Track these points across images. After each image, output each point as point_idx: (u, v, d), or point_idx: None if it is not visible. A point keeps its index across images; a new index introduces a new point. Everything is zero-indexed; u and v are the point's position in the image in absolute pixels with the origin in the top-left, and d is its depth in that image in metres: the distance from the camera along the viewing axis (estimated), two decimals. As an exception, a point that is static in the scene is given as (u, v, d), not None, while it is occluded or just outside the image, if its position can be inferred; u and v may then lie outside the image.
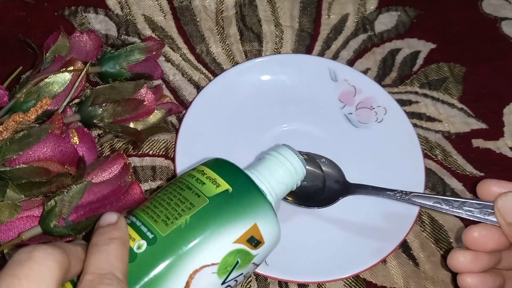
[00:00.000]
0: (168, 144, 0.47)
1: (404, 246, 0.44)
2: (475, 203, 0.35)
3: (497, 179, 0.34)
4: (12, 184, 0.34)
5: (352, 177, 0.45)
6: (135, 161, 0.46)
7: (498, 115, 0.51)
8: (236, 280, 0.30)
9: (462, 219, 0.45)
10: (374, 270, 0.42)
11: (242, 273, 0.30)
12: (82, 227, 0.35)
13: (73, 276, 0.25)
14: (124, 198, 0.36)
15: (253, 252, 0.30)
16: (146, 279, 0.27)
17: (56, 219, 0.33)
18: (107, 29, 0.53)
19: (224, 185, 0.30)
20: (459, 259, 0.34)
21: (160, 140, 0.47)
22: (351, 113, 0.49)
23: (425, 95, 0.52)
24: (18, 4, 0.53)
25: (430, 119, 0.50)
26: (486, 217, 0.34)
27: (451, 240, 0.44)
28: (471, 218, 0.35)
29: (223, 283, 0.29)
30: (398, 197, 0.40)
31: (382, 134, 0.47)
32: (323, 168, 0.43)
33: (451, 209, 0.36)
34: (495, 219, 0.33)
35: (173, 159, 0.45)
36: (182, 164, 0.44)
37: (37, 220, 0.34)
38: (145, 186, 0.45)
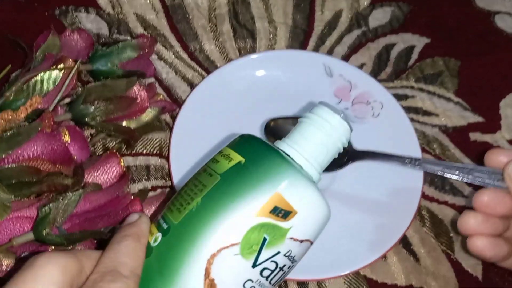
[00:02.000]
0: (162, 142, 0.46)
1: (404, 242, 0.43)
2: (485, 170, 0.35)
3: (505, 148, 0.34)
4: (2, 184, 0.33)
5: (349, 173, 0.44)
6: (129, 160, 0.45)
7: (494, 108, 0.51)
8: (275, 262, 0.26)
9: (460, 210, 0.45)
10: (374, 267, 0.42)
11: (279, 252, 0.26)
12: (76, 238, 0.33)
13: None
14: (123, 214, 0.35)
15: (284, 224, 0.26)
16: (162, 272, 0.25)
17: (49, 226, 0.32)
18: (99, 28, 0.52)
19: (237, 158, 0.27)
20: (470, 221, 0.34)
21: (154, 139, 0.46)
22: (347, 109, 0.48)
23: (421, 90, 0.51)
24: (8, 4, 0.52)
25: (427, 113, 0.50)
26: (496, 183, 0.34)
27: (451, 235, 0.44)
28: (481, 184, 0.35)
29: (255, 265, 0.26)
30: (407, 162, 0.40)
31: (379, 129, 0.47)
32: None
33: (461, 175, 0.36)
34: (504, 185, 0.33)
35: (167, 158, 0.45)
36: (177, 163, 0.43)
37: (28, 221, 0.33)
38: (139, 186, 0.44)
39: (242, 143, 0.29)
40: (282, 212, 0.26)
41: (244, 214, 0.26)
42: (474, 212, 0.34)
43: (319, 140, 0.29)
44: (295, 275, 0.39)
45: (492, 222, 0.34)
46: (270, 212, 0.26)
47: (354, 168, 0.45)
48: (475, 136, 0.49)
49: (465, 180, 0.36)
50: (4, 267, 0.32)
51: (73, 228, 0.33)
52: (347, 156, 0.42)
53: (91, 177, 0.37)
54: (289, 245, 0.26)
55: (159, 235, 0.26)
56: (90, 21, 0.52)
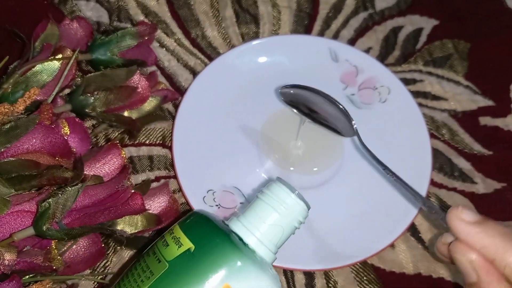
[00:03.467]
0: (165, 132, 0.45)
1: (412, 230, 0.42)
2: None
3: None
4: (1, 178, 0.32)
5: (356, 161, 0.43)
6: (132, 151, 0.44)
7: (505, 92, 0.49)
8: None
9: (471, 199, 0.44)
10: (382, 255, 0.41)
11: None
12: (76, 233, 0.33)
13: None
14: (123, 208, 0.34)
15: None
16: None
17: (49, 222, 0.32)
18: (99, 16, 0.51)
19: (187, 244, 0.26)
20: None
21: (157, 129, 0.45)
22: (353, 94, 0.47)
23: (430, 73, 0.50)
24: (5, -7, 0.51)
25: (436, 97, 0.49)
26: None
27: (460, 222, 0.43)
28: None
29: None
30: (391, 177, 0.37)
31: (386, 114, 0.46)
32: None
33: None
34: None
35: (170, 148, 0.44)
36: (180, 152, 0.43)
37: (28, 215, 0.32)
38: (142, 176, 0.43)
39: (193, 225, 0.28)
40: None
41: None
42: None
43: (274, 221, 0.28)
44: (302, 265, 0.39)
45: None
46: None
47: (360, 156, 0.44)
48: (485, 120, 0.48)
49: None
50: (6, 262, 0.32)
51: (73, 223, 0.32)
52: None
53: (92, 169, 0.36)
54: None
55: None
56: (90, 9, 0.51)
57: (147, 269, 0.26)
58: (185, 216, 0.29)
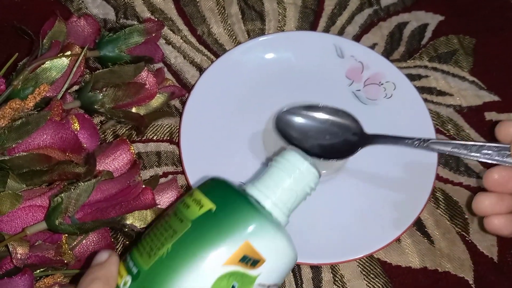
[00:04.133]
0: (173, 128, 0.46)
1: (419, 224, 0.43)
2: (493, 146, 0.35)
3: None
4: (13, 174, 0.33)
5: (363, 156, 0.44)
6: (139, 147, 0.45)
7: (510, 87, 0.49)
8: None
9: (476, 191, 0.44)
10: (388, 250, 0.41)
11: None
12: (89, 228, 0.33)
13: None
14: (134, 202, 0.35)
15: (253, 272, 0.27)
16: None
17: (61, 216, 0.32)
18: (105, 13, 0.51)
19: (208, 205, 0.27)
20: (484, 202, 0.34)
21: (164, 125, 0.46)
22: (359, 90, 0.47)
23: (435, 69, 0.50)
24: (13, -9, 0.52)
25: (441, 93, 0.49)
26: (505, 159, 0.34)
27: (466, 216, 0.43)
28: (490, 161, 0.35)
29: None
30: (417, 145, 0.40)
31: (392, 110, 0.46)
32: (340, 120, 0.42)
33: (469, 154, 0.36)
34: None
35: (178, 144, 0.44)
36: (187, 148, 0.43)
37: (39, 210, 0.33)
38: (150, 172, 0.44)
39: (213, 188, 0.29)
40: (251, 261, 0.27)
41: (214, 262, 0.26)
42: (487, 193, 0.34)
43: (289, 186, 0.30)
44: (309, 259, 0.39)
45: (506, 200, 0.34)
46: (240, 260, 0.26)
47: (366, 151, 0.44)
48: (490, 115, 0.48)
49: (474, 158, 0.36)
50: (19, 255, 0.32)
51: (86, 218, 0.33)
52: (358, 141, 0.42)
53: (101, 165, 0.36)
54: None
55: (129, 279, 0.27)
56: (96, 6, 0.52)
57: (170, 228, 0.27)
58: (203, 182, 0.30)
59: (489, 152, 0.35)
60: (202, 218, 0.27)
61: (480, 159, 0.36)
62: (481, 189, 0.43)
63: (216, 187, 0.29)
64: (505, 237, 0.35)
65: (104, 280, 0.26)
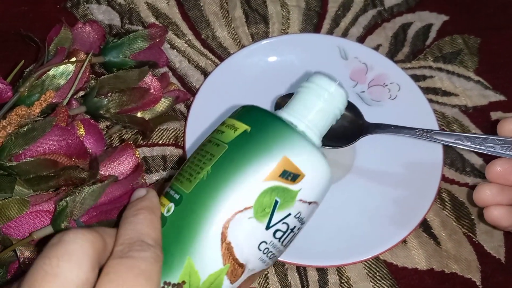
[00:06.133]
0: (178, 132, 0.46)
1: (425, 225, 0.42)
2: (497, 139, 0.35)
3: None
4: (20, 179, 0.33)
5: (368, 157, 0.44)
6: (145, 151, 0.45)
7: (517, 86, 0.49)
8: (286, 224, 0.27)
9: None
10: (394, 251, 0.41)
11: (290, 214, 0.27)
12: None
13: None
14: None
15: (293, 187, 0.27)
16: (180, 240, 0.26)
17: (67, 220, 0.32)
18: (110, 19, 0.52)
19: (242, 127, 0.28)
20: (485, 192, 0.34)
21: (169, 129, 0.46)
22: (363, 92, 0.47)
23: (440, 69, 0.50)
24: (19, -1, 0.53)
25: (446, 93, 0.49)
26: (508, 152, 0.35)
27: (473, 217, 0.43)
28: (493, 154, 0.35)
29: (268, 227, 0.26)
30: (419, 135, 0.40)
31: (396, 111, 0.46)
32: None
33: (473, 145, 0.37)
34: None
35: (183, 148, 0.44)
36: (193, 152, 0.43)
37: (46, 215, 0.33)
38: (156, 176, 0.44)
39: (245, 113, 0.29)
40: (291, 175, 0.27)
41: (255, 178, 0.26)
42: (489, 184, 0.35)
43: (318, 107, 0.30)
44: (315, 261, 0.39)
45: (507, 192, 0.34)
46: (280, 175, 0.26)
47: (370, 152, 0.44)
48: (496, 115, 0.48)
49: (477, 150, 0.36)
50: (26, 260, 0.33)
51: (91, 220, 0.33)
52: (359, 130, 0.42)
53: (107, 169, 0.37)
54: (299, 207, 0.27)
55: (172, 205, 0.27)
56: (101, 12, 0.52)
57: (207, 154, 0.28)
58: (234, 111, 0.30)
59: (493, 145, 0.35)
60: (238, 139, 0.27)
61: (484, 152, 0.36)
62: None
63: (248, 112, 0.29)
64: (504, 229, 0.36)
65: (149, 210, 0.26)
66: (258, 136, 0.27)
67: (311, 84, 0.30)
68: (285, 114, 0.30)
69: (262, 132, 0.27)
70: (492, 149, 0.36)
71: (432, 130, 0.40)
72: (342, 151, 0.44)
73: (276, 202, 0.26)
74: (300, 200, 0.27)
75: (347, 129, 0.42)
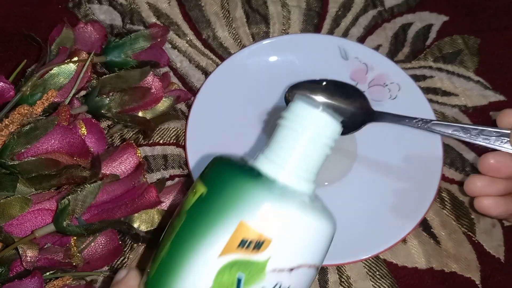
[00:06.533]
0: (179, 132, 0.46)
1: (424, 225, 0.43)
2: (493, 131, 0.36)
3: None
4: (22, 178, 0.33)
5: (368, 156, 0.44)
6: (146, 150, 0.45)
7: (516, 86, 0.49)
8: None
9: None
10: (394, 250, 0.41)
11: None
12: (96, 229, 0.34)
13: None
14: (139, 201, 0.35)
15: (259, 257, 0.22)
16: None
17: (69, 218, 0.33)
18: (112, 19, 0.52)
19: (200, 189, 0.23)
20: (476, 183, 0.35)
21: (171, 128, 0.46)
22: (363, 92, 0.47)
23: (440, 69, 0.50)
24: (21, -1, 0.53)
25: (446, 93, 0.49)
26: (503, 145, 0.35)
27: (472, 217, 0.43)
28: (488, 146, 0.36)
29: None
30: (419, 125, 0.41)
31: (396, 111, 0.46)
32: (348, 94, 0.44)
33: (469, 137, 0.37)
34: (511, 147, 0.34)
35: (184, 147, 0.45)
36: (193, 151, 0.43)
37: (48, 213, 0.33)
38: (157, 175, 0.44)
39: (210, 168, 0.25)
40: (253, 244, 0.22)
41: (209, 255, 0.22)
42: (480, 175, 0.35)
43: (303, 146, 0.24)
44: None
45: (498, 183, 0.35)
46: (238, 246, 0.22)
47: (371, 151, 0.44)
48: (496, 115, 0.48)
49: (473, 142, 0.37)
50: (28, 258, 0.33)
51: (92, 219, 0.33)
52: (364, 117, 0.43)
53: (109, 168, 0.37)
54: (274, 278, 0.22)
55: None
56: (103, 12, 0.52)
57: (171, 226, 0.24)
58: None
59: (489, 136, 0.36)
60: (195, 205, 0.23)
61: (479, 143, 0.37)
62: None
63: (213, 167, 0.25)
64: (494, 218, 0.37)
65: None
66: (212, 200, 0.23)
67: (290, 115, 0.25)
68: (264, 160, 0.25)
69: (217, 195, 0.23)
70: (487, 141, 0.36)
71: (431, 120, 0.41)
72: (340, 168, 0.44)
73: (239, 280, 0.22)
74: (274, 270, 0.22)
75: (353, 115, 0.44)
